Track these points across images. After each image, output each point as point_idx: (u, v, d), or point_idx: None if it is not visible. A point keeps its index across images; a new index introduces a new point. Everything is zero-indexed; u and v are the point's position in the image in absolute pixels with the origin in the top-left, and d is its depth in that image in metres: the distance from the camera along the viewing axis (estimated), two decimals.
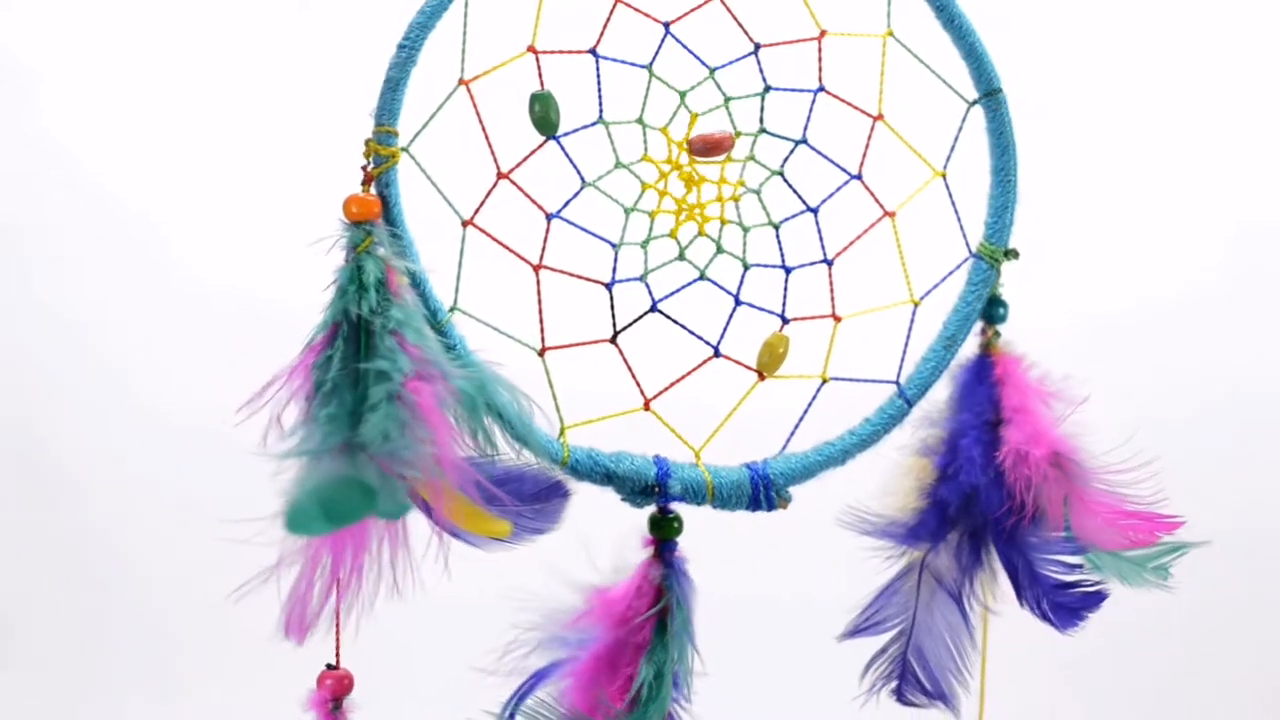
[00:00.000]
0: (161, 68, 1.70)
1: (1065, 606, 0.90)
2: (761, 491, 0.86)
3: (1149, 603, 0.94)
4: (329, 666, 0.81)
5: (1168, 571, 0.92)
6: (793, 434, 0.88)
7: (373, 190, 0.78)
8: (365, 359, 0.72)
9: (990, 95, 0.90)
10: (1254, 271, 1.70)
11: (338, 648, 0.79)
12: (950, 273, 0.91)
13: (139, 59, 1.71)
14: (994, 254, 0.90)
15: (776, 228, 0.87)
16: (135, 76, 1.71)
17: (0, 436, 1.69)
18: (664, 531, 0.85)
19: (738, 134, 0.86)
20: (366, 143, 0.78)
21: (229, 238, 1.71)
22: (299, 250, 1.92)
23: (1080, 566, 0.90)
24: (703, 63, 0.85)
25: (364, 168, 0.78)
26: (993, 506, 0.88)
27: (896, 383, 0.90)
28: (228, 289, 1.69)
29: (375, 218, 0.76)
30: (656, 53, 0.84)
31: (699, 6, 0.84)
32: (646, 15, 0.83)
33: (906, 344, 0.90)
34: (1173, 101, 1.70)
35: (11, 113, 1.70)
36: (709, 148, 0.85)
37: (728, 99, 0.86)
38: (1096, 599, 0.90)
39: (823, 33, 0.87)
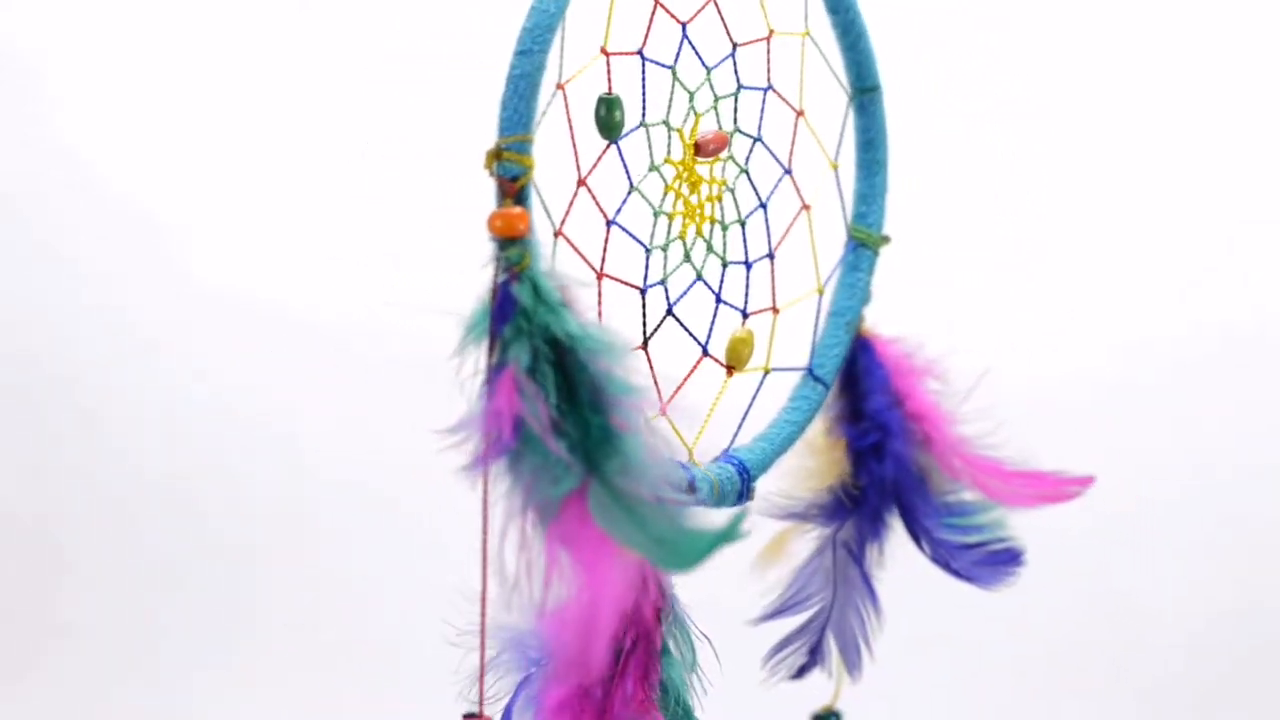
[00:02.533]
0: (168, 65, 1.73)
1: (978, 565, 1.00)
2: (745, 484, 0.88)
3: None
4: (469, 716, 0.75)
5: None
6: (741, 425, 0.90)
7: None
8: (582, 387, 0.68)
9: (869, 91, 0.97)
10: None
11: (481, 698, 0.74)
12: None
13: (147, 56, 1.73)
14: (875, 239, 0.98)
15: (743, 225, 0.89)
16: (143, 74, 1.73)
17: (5, 433, 1.69)
18: None
19: (732, 133, 0.87)
20: (500, 152, 0.71)
21: (237, 237, 1.74)
22: (309, 250, 1.82)
23: (980, 528, 0.99)
24: (703, 62, 0.85)
25: (502, 179, 0.72)
26: (905, 479, 0.96)
27: (809, 369, 0.95)
28: (237, 288, 1.71)
29: (527, 232, 0.70)
30: (679, 53, 0.83)
31: (706, 5, 0.85)
32: (670, 14, 0.83)
33: (815, 331, 0.96)
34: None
35: (18, 109, 1.70)
36: (716, 148, 0.86)
37: (718, 99, 0.87)
38: (1008, 557, 1.00)
39: (771, 32, 0.90)
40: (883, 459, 0.96)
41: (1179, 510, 1.68)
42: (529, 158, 0.71)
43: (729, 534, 0.63)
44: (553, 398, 0.67)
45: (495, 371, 0.68)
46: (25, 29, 1.72)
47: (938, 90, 1.69)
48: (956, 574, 1.00)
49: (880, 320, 0.98)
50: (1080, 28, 1.83)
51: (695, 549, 0.63)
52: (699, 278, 0.87)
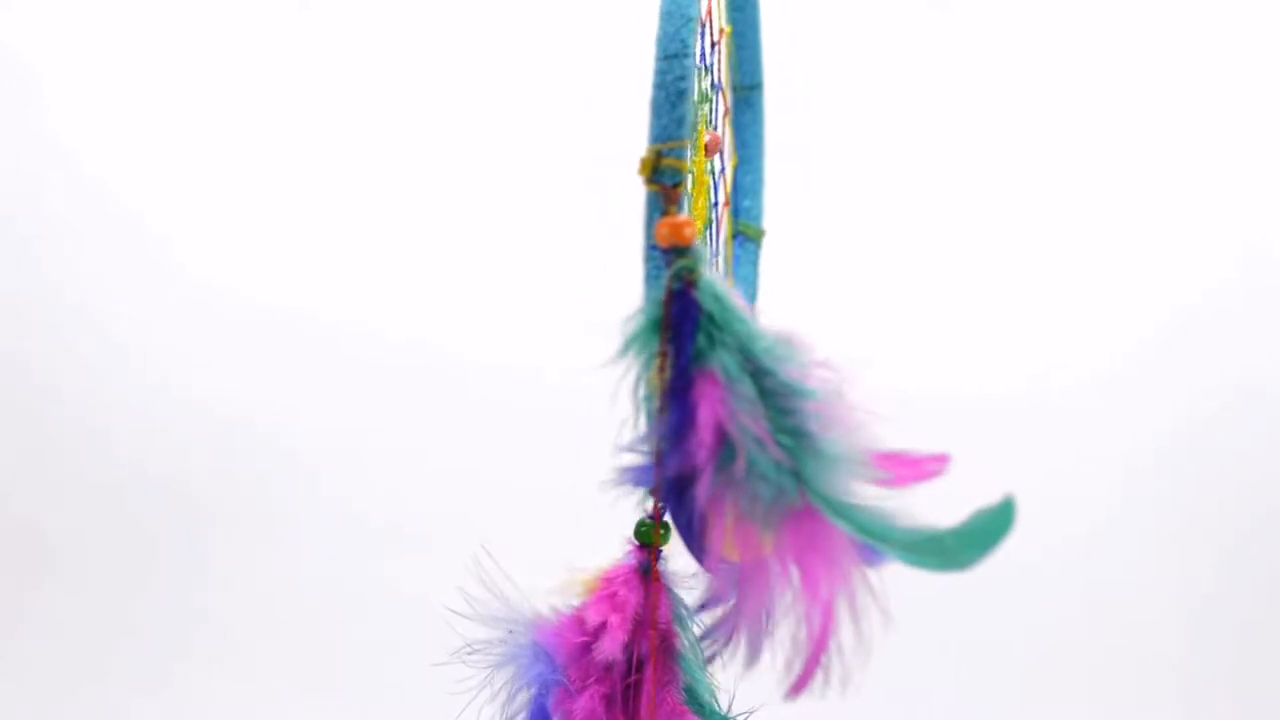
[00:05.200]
0: (163, 68, 1.76)
1: None
2: None
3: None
4: None
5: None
6: None
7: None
8: (774, 393, 0.69)
9: (751, 89, 1.01)
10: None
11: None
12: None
13: (142, 59, 1.76)
14: (756, 232, 1.02)
15: (711, 225, 0.92)
16: (139, 77, 1.75)
17: (4, 432, 1.70)
18: (650, 538, 0.83)
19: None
20: (658, 159, 0.72)
21: (231, 238, 1.75)
22: (301, 252, 1.80)
23: None
24: (703, 60, 0.87)
25: (664, 187, 0.72)
26: None
27: None
28: (230, 289, 1.74)
29: (693, 239, 0.69)
30: (715, 53, 0.85)
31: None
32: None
33: None
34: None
35: (15, 112, 1.73)
36: (715, 149, 0.88)
37: (704, 98, 0.89)
38: None
39: (724, 31, 0.92)
40: None
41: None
42: (686, 163, 0.70)
43: (1006, 522, 0.66)
44: (759, 405, 0.66)
45: (681, 381, 0.67)
46: (19, 32, 1.75)
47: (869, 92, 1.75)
48: None
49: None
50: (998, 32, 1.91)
51: (976, 544, 0.65)
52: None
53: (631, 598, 0.81)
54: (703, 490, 0.66)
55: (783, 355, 0.68)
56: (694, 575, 0.77)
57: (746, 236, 1.00)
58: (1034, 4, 1.91)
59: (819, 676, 0.66)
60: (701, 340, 0.66)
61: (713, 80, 0.88)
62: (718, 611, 0.89)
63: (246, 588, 1.70)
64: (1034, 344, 1.83)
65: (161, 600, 1.72)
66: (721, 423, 0.65)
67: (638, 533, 0.82)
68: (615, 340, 0.69)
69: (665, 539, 0.82)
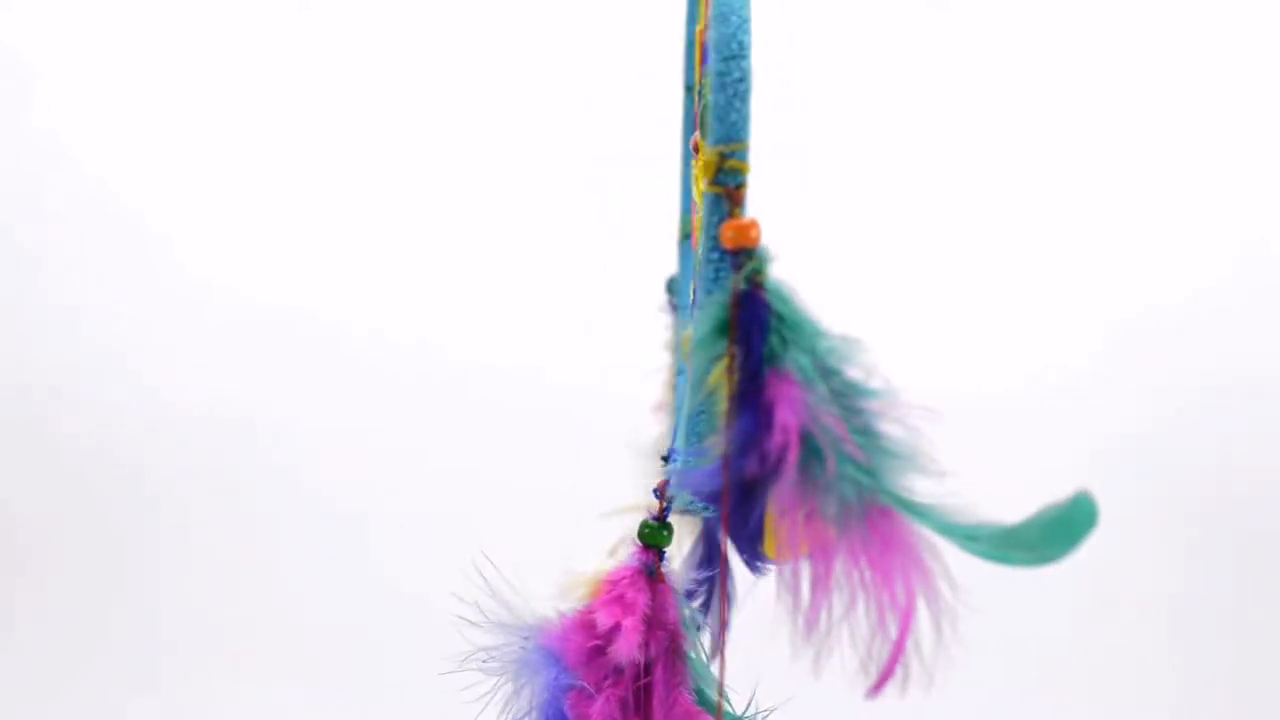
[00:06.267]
0: (163, 68, 1.77)
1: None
2: None
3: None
4: None
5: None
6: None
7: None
8: (844, 393, 0.69)
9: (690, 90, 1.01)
10: None
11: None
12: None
13: (142, 59, 1.78)
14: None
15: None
16: (137, 77, 1.77)
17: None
18: (662, 540, 0.85)
19: None
20: (723, 161, 0.72)
21: (229, 237, 1.76)
22: (299, 251, 1.80)
23: None
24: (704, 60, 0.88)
25: (729, 189, 0.72)
26: None
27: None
28: (228, 289, 1.75)
29: (759, 240, 0.69)
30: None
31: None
32: None
33: None
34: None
35: (11, 111, 1.76)
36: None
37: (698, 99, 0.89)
38: None
39: (700, 30, 0.93)
40: None
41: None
42: (748, 164, 0.70)
43: (1088, 516, 0.68)
44: (835, 405, 0.67)
45: (753, 384, 0.67)
46: (16, 31, 1.75)
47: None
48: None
49: None
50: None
51: (1060, 538, 0.67)
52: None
53: (640, 599, 0.81)
54: (781, 492, 0.66)
55: (847, 355, 0.68)
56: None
57: (686, 235, 1.00)
58: (1033, 4, 1.95)
59: (899, 675, 0.67)
60: (774, 341, 0.66)
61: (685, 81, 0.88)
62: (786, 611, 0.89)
63: (246, 588, 1.72)
64: (1012, 342, 1.88)
65: (161, 600, 1.74)
66: (802, 424, 0.65)
67: (642, 534, 0.82)
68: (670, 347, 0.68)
69: (669, 540, 0.82)
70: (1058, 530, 0.66)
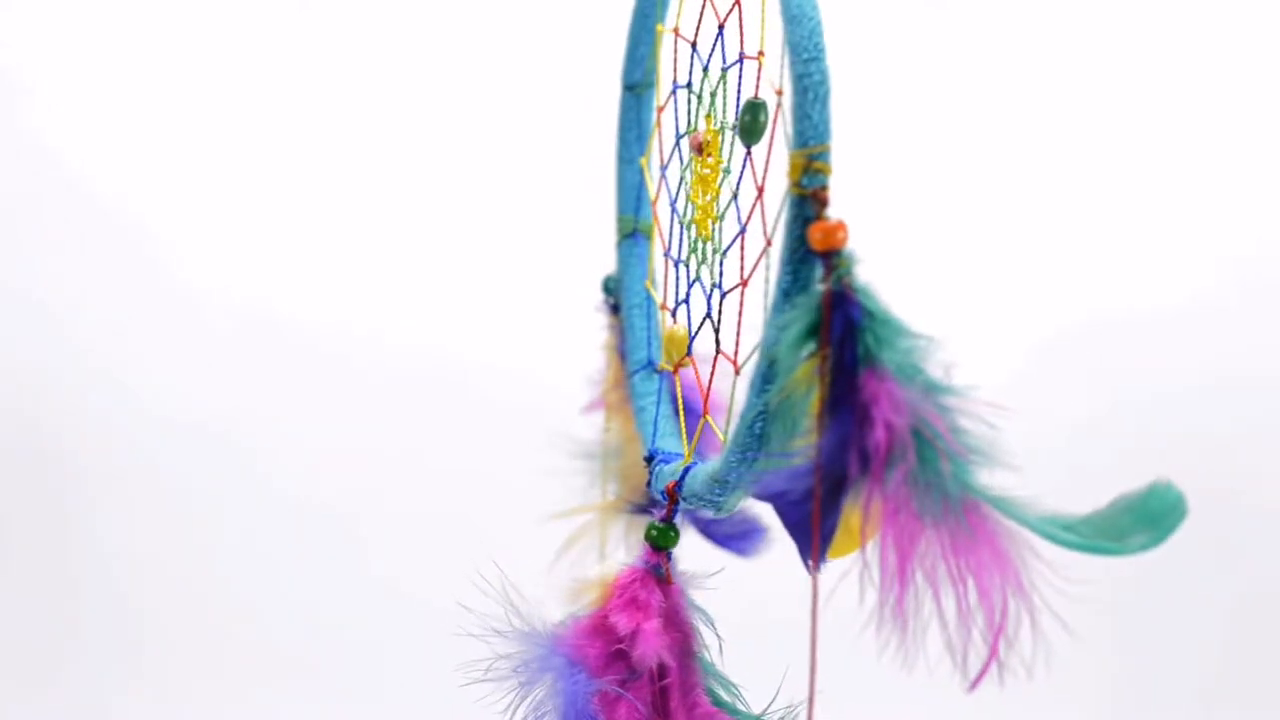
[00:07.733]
0: (161, 69, 1.77)
1: (726, 537, 1.06)
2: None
3: None
4: None
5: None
6: (702, 425, 0.92)
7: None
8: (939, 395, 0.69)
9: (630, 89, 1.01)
10: None
11: None
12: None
13: (139, 60, 1.77)
14: (648, 229, 1.02)
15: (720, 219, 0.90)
16: (131, 80, 1.76)
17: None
18: (670, 541, 0.85)
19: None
20: (808, 164, 0.73)
21: (225, 241, 1.76)
22: (298, 251, 1.80)
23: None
24: (702, 60, 0.88)
25: (815, 190, 0.72)
26: None
27: None
28: (223, 293, 1.75)
29: (846, 241, 0.69)
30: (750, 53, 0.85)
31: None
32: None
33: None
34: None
35: (6, 115, 1.74)
36: (695, 146, 0.89)
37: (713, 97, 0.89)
38: (754, 529, 1.06)
39: (675, 29, 0.93)
40: None
41: None
42: (831, 166, 0.71)
43: (1177, 505, 0.70)
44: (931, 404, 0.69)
45: (847, 384, 0.68)
46: (10, 35, 1.74)
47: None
48: (718, 543, 1.06)
49: None
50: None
51: (1158, 526, 0.70)
52: (697, 278, 0.87)
53: (652, 601, 0.81)
54: (882, 490, 0.66)
55: (928, 353, 0.69)
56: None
57: (641, 233, 1.00)
58: (1032, 4, 1.95)
59: (996, 668, 0.68)
60: (869, 340, 0.66)
61: (674, 82, 0.88)
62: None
63: (244, 589, 1.69)
64: (1011, 342, 1.88)
65: (161, 601, 1.72)
66: (905, 421, 0.66)
67: (649, 536, 0.82)
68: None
69: (676, 541, 0.82)
70: (1147, 519, 0.68)
